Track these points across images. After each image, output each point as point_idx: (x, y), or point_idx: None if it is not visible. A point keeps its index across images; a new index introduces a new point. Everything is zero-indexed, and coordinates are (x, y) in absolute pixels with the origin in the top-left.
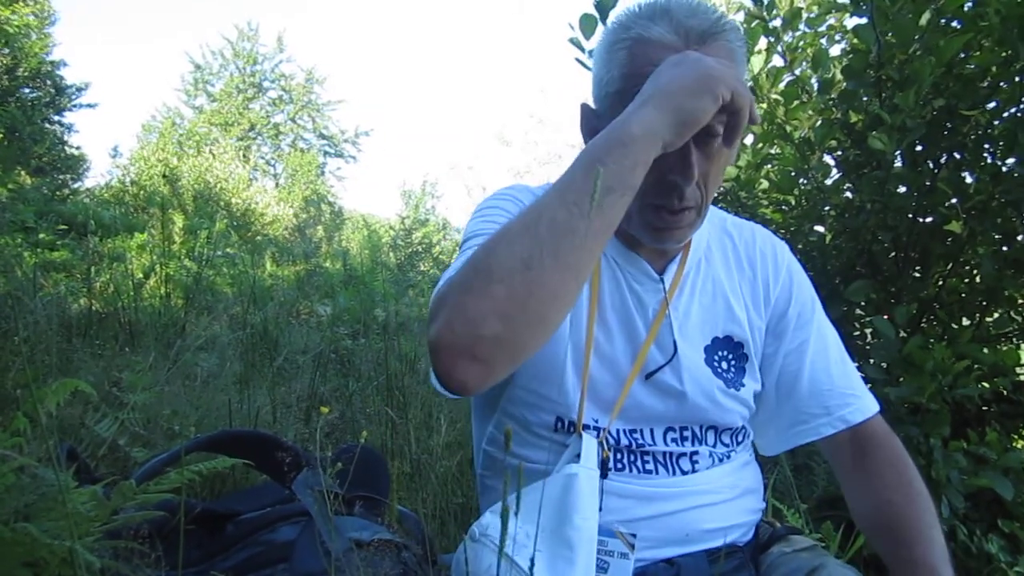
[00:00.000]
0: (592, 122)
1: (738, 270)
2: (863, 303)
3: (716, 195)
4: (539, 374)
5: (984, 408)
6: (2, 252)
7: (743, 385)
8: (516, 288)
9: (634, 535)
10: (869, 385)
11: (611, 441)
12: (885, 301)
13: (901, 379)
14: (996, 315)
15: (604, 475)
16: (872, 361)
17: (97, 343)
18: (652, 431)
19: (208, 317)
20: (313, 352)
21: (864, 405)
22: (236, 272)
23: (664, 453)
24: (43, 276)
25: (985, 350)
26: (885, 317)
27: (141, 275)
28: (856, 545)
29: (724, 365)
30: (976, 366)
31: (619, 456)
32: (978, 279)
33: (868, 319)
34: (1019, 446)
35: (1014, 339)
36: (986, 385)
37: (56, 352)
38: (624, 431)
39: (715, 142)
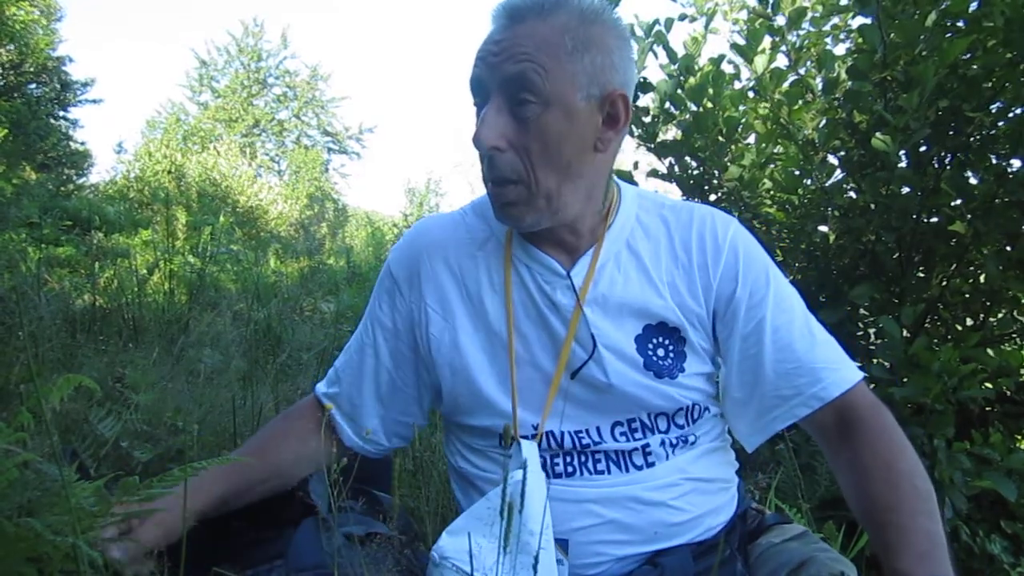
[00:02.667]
0: None
1: (670, 256)
2: (866, 303)
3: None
4: (467, 410)
5: (988, 408)
6: (7, 247)
7: (683, 371)
8: None
9: (566, 540)
10: (872, 385)
11: (556, 444)
12: (888, 302)
13: (906, 379)
14: (1000, 315)
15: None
16: (876, 361)
17: (101, 339)
18: (599, 429)
19: (212, 313)
20: (317, 349)
21: (840, 377)
22: (240, 269)
23: (615, 451)
24: (47, 272)
25: (990, 351)
26: (890, 317)
27: (145, 271)
28: (858, 546)
29: (660, 352)
30: (980, 367)
31: (568, 459)
32: (982, 280)
33: (872, 319)
34: (1023, 446)
35: (1018, 339)
36: (989, 386)
37: (60, 348)
38: (569, 432)
39: (529, 110)
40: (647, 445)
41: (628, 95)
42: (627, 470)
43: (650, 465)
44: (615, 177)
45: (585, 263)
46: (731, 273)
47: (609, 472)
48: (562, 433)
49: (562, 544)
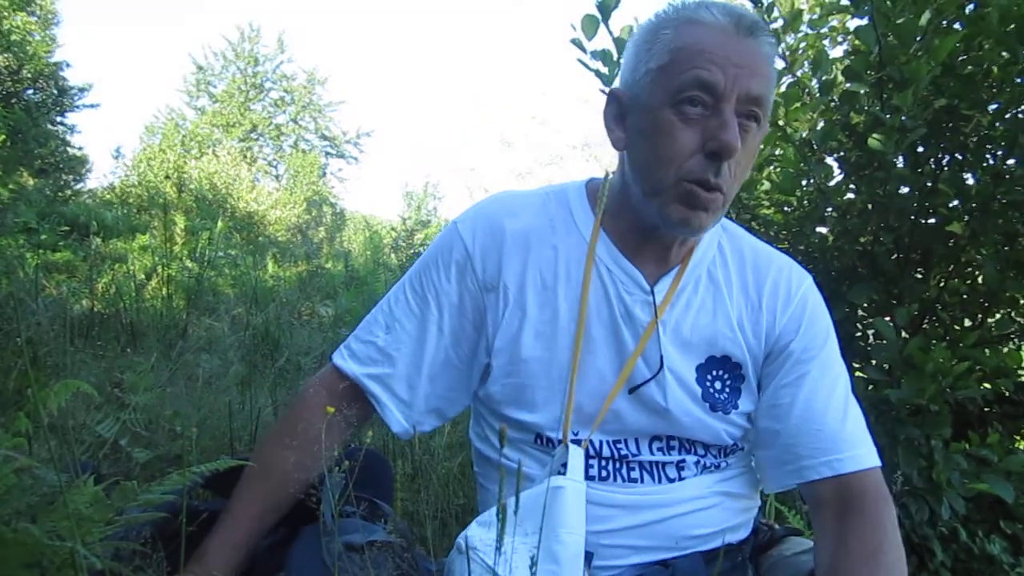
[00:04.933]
0: (619, 108)
1: (743, 294)
2: (865, 304)
3: None
4: (516, 402)
5: (986, 409)
6: (4, 253)
7: (736, 407)
8: None
9: (591, 553)
10: (870, 387)
11: (593, 451)
12: (886, 302)
13: (902, 380)
14: (998, 316)
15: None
16: (873, 362)
17: (99, 344)
18: (637, 441)
19: (210, 318)
20: (315, 353)
21: (858, 455)
22: (238, 273)
23: (650, 462)
24: (45, 277)
25: (987, 351)
26: (887, 318)
27: (143, 276)
28: None
29: (718, 385)
30: (978, 367)
31: (604, 464)
32: (979, 280)
33: (870, 320)
34: (1021, 447)
35: (1016, 340)
36: (988, 386)
37: (58, 353)
38: (607, 442)
39: (752, 126)
40: (682, 461)
41: None
42: (660, 480)
43: (682, 479)
44: None
45: (668, 281)
46: (795, 324)
47: (642, 481)
48: (601, 441)
49: (587, 557)
